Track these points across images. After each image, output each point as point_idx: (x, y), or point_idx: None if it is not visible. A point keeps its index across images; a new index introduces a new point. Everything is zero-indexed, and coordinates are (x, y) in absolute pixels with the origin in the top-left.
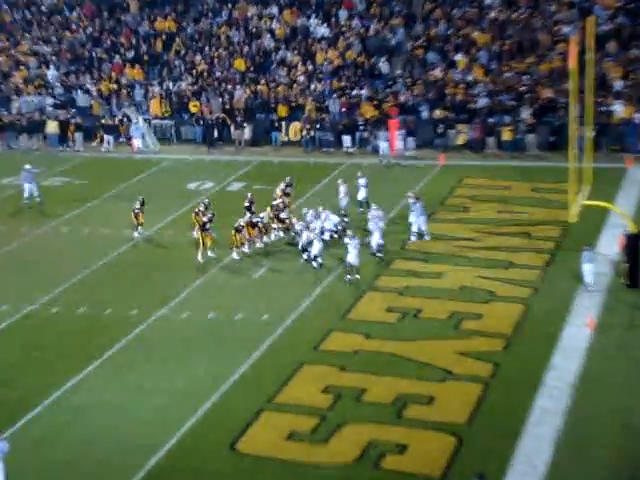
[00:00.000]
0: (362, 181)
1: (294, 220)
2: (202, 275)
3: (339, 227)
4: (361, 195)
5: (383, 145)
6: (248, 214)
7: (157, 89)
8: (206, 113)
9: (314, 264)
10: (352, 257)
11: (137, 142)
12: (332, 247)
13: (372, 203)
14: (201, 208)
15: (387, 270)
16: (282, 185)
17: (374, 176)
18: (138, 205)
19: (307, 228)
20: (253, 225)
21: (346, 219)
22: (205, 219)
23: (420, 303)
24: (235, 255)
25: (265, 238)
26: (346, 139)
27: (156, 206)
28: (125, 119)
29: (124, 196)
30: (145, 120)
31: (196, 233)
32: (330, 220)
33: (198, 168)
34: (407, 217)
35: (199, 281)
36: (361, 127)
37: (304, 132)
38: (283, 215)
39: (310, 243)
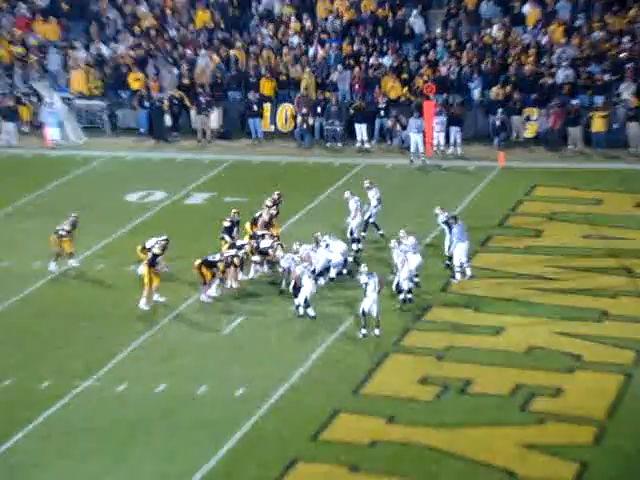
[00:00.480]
0: (372, 193)
1: (279, 252)
2: (148, 328)
3: (348, 259)
4: (368, 214)
5: (415, 138)
6: (227, 240)
7: (82, 54)
8: (154, 90)
9: (309, 313)
10: (369, 303)
11: (52, 132)
12: (340, 287)
13: (401, 228)
14: (154, 247)
15: (420, 322)
16: (267, 202)
17: (402, 184)
18: (67, 227)
19: (300, 261)
20: (228, 261)
21: (359, 246)
22: (157, 250)
23: (469, 371)
24: (204, 297)
25: (240, 275)
26: (360, 129)
27: (81, 226)
28: (34, 98)
29: (33, 212)
30: (64, 100)
31: (142, 269)
32: (333, 250)
33: (143, 171)
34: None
35: (143, 337)
36: (382, 112)
37: (298, 119)
38: (265, 244)
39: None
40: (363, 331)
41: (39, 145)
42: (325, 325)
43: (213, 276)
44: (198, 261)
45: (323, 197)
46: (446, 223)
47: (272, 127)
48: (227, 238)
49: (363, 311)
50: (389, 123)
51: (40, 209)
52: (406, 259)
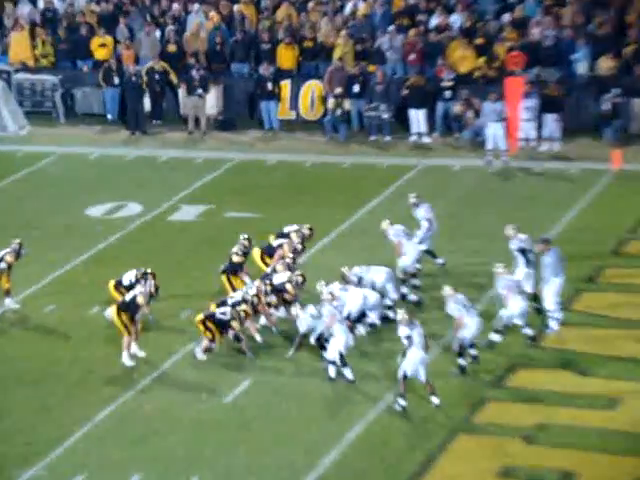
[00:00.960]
0: (421, 213)
1: (295, 309)
2: (117, 395)
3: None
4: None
5: (493, 130)
6: (245, 281)
7: (25, 10)
8: (127, 61)
9: (346, 375)
10: (412, 363)
11: None
12: (385, 337)
13: (497, 263)
14: (138, 296)
15: (499, 390)
16: (293, 231)
17: (474, 194)
18: (9, 257)
19: (329, 300)
20: (241, 317)
21: (413, 282)
22: (140, 299)
23: (570, 460)
24: (200, 353)
25: (247, 322)
26: (417, 117)
27: (24, 253)
28: None
29: None
30: (0, 75)
31: (110, 313)
32: (377, 282)
33: (110, 174)
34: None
35: (110, 408)
36: (448, 93)
37: (330, 102)
38: (280, 279)
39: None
40: (401, 402)
41: None
42: (364, 392)
43: (223, 334)
44: (201, 316)
45: (363, 213)
46: (522, 251)
47: (293, 113)
48: (246, 279)
49: (404, 374)
50: (457, 108)
51: None
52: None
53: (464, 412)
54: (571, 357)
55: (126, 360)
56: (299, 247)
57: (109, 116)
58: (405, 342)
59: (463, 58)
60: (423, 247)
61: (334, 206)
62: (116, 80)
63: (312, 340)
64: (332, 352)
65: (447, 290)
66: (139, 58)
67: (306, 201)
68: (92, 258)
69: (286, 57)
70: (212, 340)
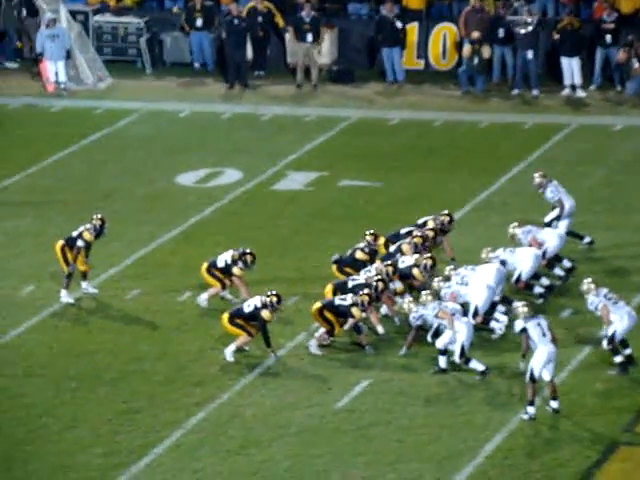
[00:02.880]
0: (549, 194)
1: (436, 281)
2: (214, 398)
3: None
4: (550, 217)
5: None
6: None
7: None
8: (226, 0)
9: (477, 367)
10: (539, 362)
11: (55, 69)
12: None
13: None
14: (228, 260)
15: None
16: (430, 222)
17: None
18: (87, 234)
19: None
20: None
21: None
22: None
23: None
24: (314, 347)
25: (369, 311)
26: (570, 66)
27: (106, 231)
28: (25, 11)
29: (23, 202)
30: (75, 16)
31: (206, 298)
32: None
33: (205, 136)
34: None
35: (205, 411)
36: (609, 37)
37: (466, 49)
38: (406, 262)
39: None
40: (530, 410)
41: (34, 90)
42: (505, 395)
43: (342, 324)
44: (318, 305)
45: (505, 181)
46: None
47: (421, 62)
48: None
49: (532, 376)
50: (620, 56)
51: (34, 197)
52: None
53: (626, 419)
54: None
55: (229, 355)
56: (430, 234)
57: (196, 65)
58: (525, 338)
59: None
60: (563, 230)
61: (469, 173)
62: (199, 22)
63: (429, 337)
64: (441, 341)
65: (585, 285)
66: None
67: (435, 167)
68: (183, 234)
69: None
70: (330, 332)
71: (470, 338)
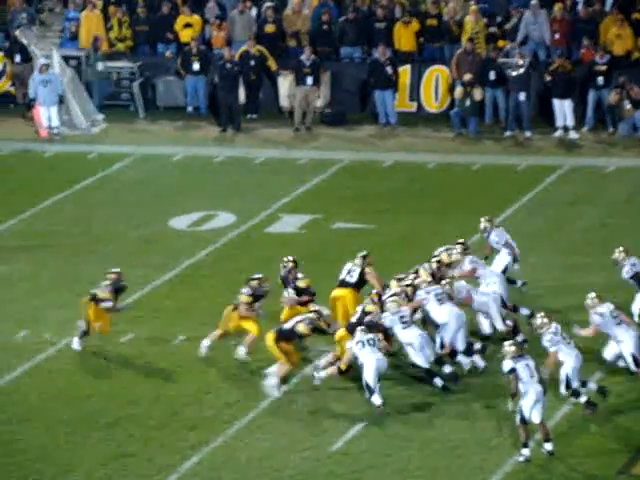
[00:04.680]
0: (494, 238)
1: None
2: (208, 441)
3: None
4: (500, 265)
5: None
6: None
7: None
8: (218, 44)
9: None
10: (528, 404)
11: (48, 114)
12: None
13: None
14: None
15: None
16: (444, 256)
17: (633, 200)
18: (106, 293)
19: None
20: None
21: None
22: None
23: None
24: (320, 375)
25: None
26: (562, 108)
27: (96, 270)
28: (18, 57)
29: (17, 247)
30: (69, 61)
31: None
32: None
33: (198, 179)
34: None
35: (200, 455)
36: (600, 79)
37: (457, 91)
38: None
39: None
40: (525, 452)
41: (27, 135)
42: (502, 435)
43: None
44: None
45: (499, 223)
46: (637, 277)
47: (414, 105)
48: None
49: (522, 417)
50: (612, 97)
51: (28, 241)
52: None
53: (621, 461)
54: None
55: (273, 388)
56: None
57: (189, 109)
58: (513, 379)
59: (618, 37)
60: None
61: (463, 215)
62: (196, 66)
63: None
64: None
65: (539, 320)
66: (231, 40)
67: (429, 209)
68: (177, 278)
69: (405, 38)
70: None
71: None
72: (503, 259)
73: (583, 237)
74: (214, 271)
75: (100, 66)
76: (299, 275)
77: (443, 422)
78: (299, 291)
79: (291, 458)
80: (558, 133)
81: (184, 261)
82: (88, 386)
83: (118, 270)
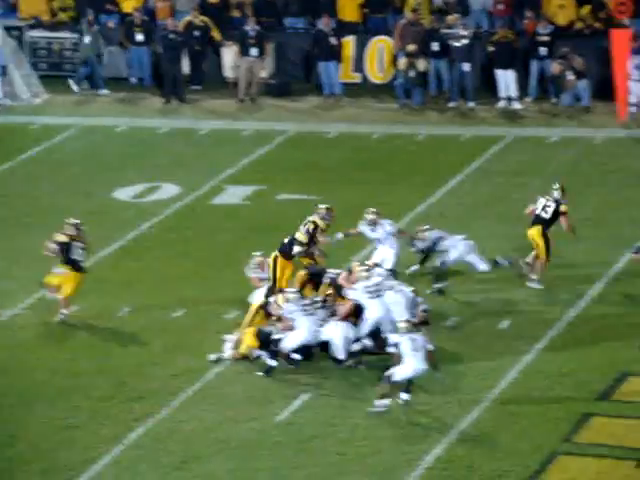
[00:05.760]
0: (375, 234)
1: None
2: (154, 412)
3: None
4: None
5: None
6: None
7: None
8: (162, 15)
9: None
10: (400, 373)
11: None
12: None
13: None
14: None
15: (604, 401)
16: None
17: (577, 171)
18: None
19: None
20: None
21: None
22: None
23: None
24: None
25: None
26: (505, 78)
27: (36, 246)
28: None
29: None
30: (9, 32)
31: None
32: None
33: (142, 150)
34: None
35: (145, 426)
36: (543, 49)
37: (401, 62)
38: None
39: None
40: (381, 403)
41: None
42: (443, 408)
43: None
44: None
45: (443, 194)
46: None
47: (358, 76)
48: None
49: (388, 378)
50: (555, 68)
51: None
52: None
53: (565, 430)
54: None
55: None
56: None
57: (132, 80)
58: (393, 350)
59: (562, 8)
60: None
61: (407, 186)
62: (140, 37)
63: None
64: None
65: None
66: (175, 10)
67: (373, 180)
68: (121, 250)
69: (349, 8)
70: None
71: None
72: (385, 252)
73: (526, 206)
74: (158, 243)
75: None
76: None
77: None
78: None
79: (236, 429)
80: (501, 104)
81: (128, 233)
82: (32, 358)
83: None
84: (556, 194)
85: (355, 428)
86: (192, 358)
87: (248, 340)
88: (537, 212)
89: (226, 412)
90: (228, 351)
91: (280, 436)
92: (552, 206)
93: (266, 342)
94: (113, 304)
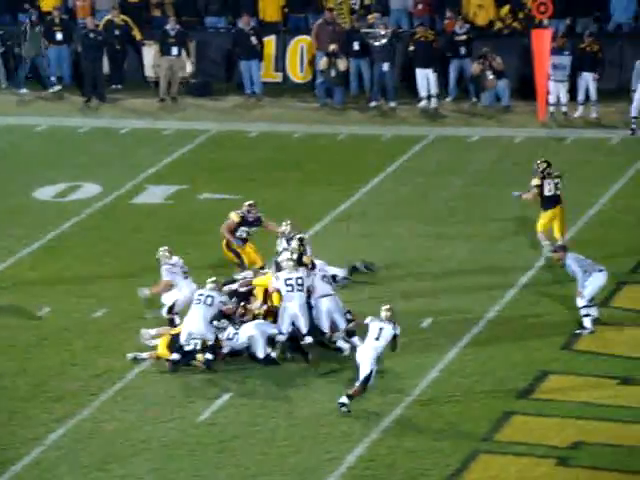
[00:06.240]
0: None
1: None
2: (74, 413)
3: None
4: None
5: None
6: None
7: None
8: (82, 13)
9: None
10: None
11: None
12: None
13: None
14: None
15: (524, 400)
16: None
17: (494, 169)
18: None
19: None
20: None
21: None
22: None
23: None
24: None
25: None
26: (426, 78)
27: None
28: None
29: None
30: None
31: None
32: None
33: (63, 150)
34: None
35: (65, 427)
36: (463, 49)
37: (321, 63)
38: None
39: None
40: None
41: None
42: (365, 406)
43: None
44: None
45: (364, 193)
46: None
47: (279, 75)
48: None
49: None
50: (474, 68)
51: None
52: None
53: (485, 428)
54: (611, 362)
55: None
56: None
57: (52, 79)
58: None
59: (481, 7)
60: None
61: (329, 185)
62: (59, 36)
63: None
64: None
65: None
66: (94, 9)
67: (295, 179)
68: (41, 249)
69: (270, 7)
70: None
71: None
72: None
73: (447, 206)
74: (79, 242)
75: None
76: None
77: (308, 392)
78: None
79: (158, 429)
80: (422, 103)
81: (49, 232)
82: None
83: None
84: (549, 170)
85: (277, 428)
86: (113, 358)
87: (161, 349)
88: (550, 193)
89: (147, 412)
90: (147, 342)
91: (201, 436)
92: (557, 180)
93: (178, 351)
94: (33, 304)
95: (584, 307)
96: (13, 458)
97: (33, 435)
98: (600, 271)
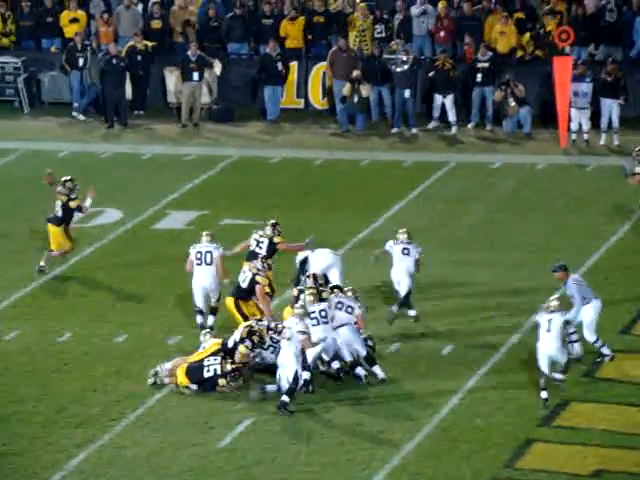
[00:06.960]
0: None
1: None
2: (95, 438)
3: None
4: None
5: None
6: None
7: None
8: (104, 39)
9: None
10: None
11: None
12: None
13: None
14: None
15: (545, 427)
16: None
17: (519, 197)
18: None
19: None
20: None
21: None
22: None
23: None
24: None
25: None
26: (446, 104)
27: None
28: None
29: None
30: None
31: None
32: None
33: (84, 175)
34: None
35: (86, 452)
36: (483, 76)
37: (345, 89)
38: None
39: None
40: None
41: None
42: (391, 430)
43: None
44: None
45: (386, 219)
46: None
47: (301, 102)
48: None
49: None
50: (497, 95)
51: None
52: None
53: (507, 456)
54: (632, 390)
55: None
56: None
57: (75, 105)
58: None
59: (503, 34)
60: None
61: (350, 211)
62: (81, 62)
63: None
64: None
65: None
66: (118, 36)
67: (316, 206)
68: (63, 274)
69: (293, 34)
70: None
71: None
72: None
73: (470, 233)
74: (100, 267)
75: None
76: None
77: (331, 418)
78: None
79: (179, 455)
80: (432, 124)
81: (71, 258)
82: None
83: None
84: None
85: (298, 454)
86: (134, 384)
87: (179, 377)
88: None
89: (168, 438)
90: (165, 378)
91: (222, 462)
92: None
93: (197, 380)
94: (55, 329)
95: (572, 334)
96: None
97: (54, 461)
98: (596, 298)
